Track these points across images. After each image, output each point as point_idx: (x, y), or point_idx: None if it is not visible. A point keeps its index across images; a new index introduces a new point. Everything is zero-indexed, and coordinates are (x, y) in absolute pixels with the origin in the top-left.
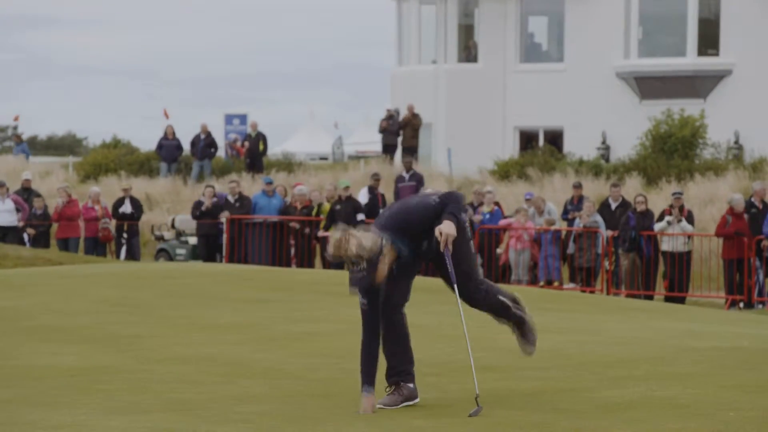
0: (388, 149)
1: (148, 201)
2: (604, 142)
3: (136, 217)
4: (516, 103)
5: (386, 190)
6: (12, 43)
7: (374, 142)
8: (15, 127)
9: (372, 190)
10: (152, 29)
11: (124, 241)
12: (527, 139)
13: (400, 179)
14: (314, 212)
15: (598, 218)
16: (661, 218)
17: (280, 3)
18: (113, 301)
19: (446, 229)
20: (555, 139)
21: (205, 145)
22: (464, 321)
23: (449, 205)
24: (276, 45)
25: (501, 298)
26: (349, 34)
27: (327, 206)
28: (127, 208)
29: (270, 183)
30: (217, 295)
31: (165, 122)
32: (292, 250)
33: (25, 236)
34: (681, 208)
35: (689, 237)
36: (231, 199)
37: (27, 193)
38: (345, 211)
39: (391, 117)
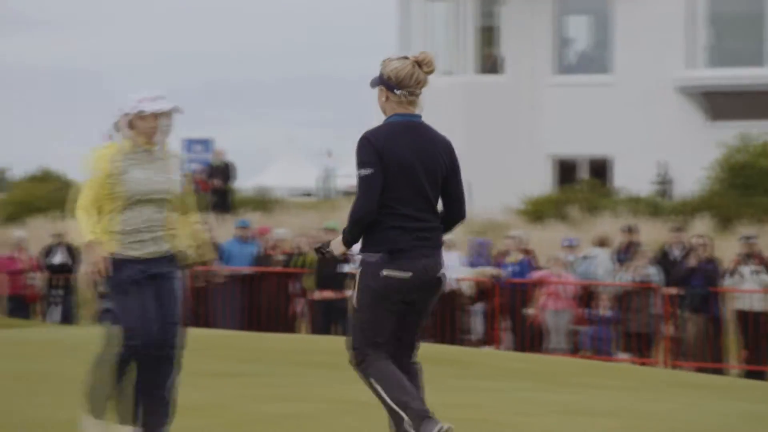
0: None
1: None
2: (662, 175)
3: (71, 269)
4: (550, 126)
5: None
6: None
7: None
8: None
9: None
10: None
11: (59, 299)
12: (566, 170)
13: None
14: (295, 263)
15: (654, 271)
16: (732, 272)
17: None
18: (22, 377)
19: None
20: (601, 170)
21: None
22: None
23: None
24: (249, 52)
25: (375, 386)
26: (342, 39)
27: (312, 256)
28: (59, 257)
29: (246, 227)
30: None
31: None
32: (297, 307)
33: None
34: (757, 256)
35: None
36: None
37: None
38: (327, 261)
39: None
